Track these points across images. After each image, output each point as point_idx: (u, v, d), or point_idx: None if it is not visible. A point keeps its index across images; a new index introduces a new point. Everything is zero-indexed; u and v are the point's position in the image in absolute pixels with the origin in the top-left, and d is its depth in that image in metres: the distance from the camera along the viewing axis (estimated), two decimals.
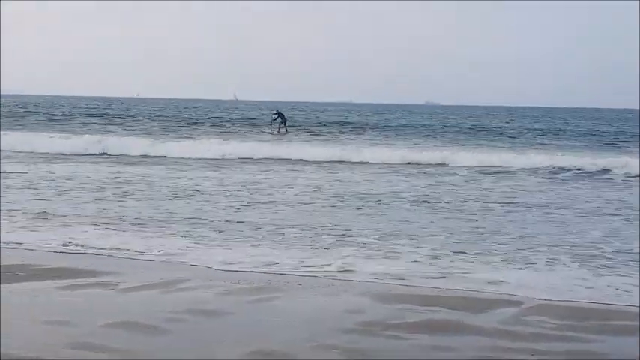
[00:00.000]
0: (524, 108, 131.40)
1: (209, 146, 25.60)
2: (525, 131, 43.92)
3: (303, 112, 68.59)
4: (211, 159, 22.89)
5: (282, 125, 37.68)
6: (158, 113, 58.85)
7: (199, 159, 22.75)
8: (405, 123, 52.29)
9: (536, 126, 51.49)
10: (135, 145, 25.70)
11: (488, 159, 22.56)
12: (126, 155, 23.67)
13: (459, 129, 44.71)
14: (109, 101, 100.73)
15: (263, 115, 54.46)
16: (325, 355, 5.04)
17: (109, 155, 23.90)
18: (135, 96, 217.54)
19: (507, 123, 55.70)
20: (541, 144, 33.07)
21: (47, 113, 52.71)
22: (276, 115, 38.22)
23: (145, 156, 23.67)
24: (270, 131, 37.95)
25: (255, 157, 23.21)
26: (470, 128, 46.06)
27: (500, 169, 20.84)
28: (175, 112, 65.05)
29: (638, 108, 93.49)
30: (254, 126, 43.00)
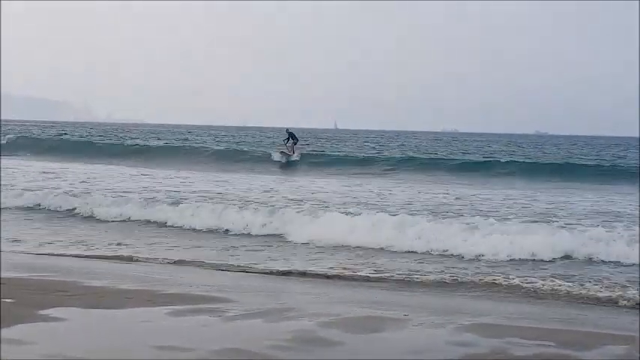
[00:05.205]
0: None
1: None
2: None
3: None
4: None
5: (293, 146, 38.06)
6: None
7: None
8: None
9: None
10: None
11: None
12: None
13: None
14: (217, 129, 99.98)
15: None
16: None
17: None
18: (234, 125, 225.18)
19: None
20: None
21: None
22: (287, 137, 38.57)
23: None
24: (280, 155, 38.04)
25: None
26: None
27: None
28: None
29: None
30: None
